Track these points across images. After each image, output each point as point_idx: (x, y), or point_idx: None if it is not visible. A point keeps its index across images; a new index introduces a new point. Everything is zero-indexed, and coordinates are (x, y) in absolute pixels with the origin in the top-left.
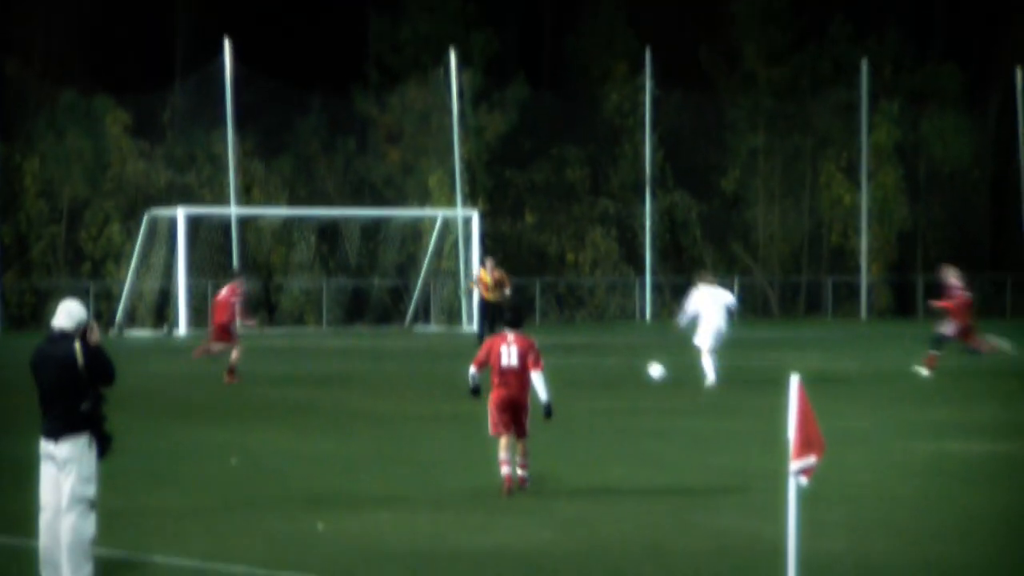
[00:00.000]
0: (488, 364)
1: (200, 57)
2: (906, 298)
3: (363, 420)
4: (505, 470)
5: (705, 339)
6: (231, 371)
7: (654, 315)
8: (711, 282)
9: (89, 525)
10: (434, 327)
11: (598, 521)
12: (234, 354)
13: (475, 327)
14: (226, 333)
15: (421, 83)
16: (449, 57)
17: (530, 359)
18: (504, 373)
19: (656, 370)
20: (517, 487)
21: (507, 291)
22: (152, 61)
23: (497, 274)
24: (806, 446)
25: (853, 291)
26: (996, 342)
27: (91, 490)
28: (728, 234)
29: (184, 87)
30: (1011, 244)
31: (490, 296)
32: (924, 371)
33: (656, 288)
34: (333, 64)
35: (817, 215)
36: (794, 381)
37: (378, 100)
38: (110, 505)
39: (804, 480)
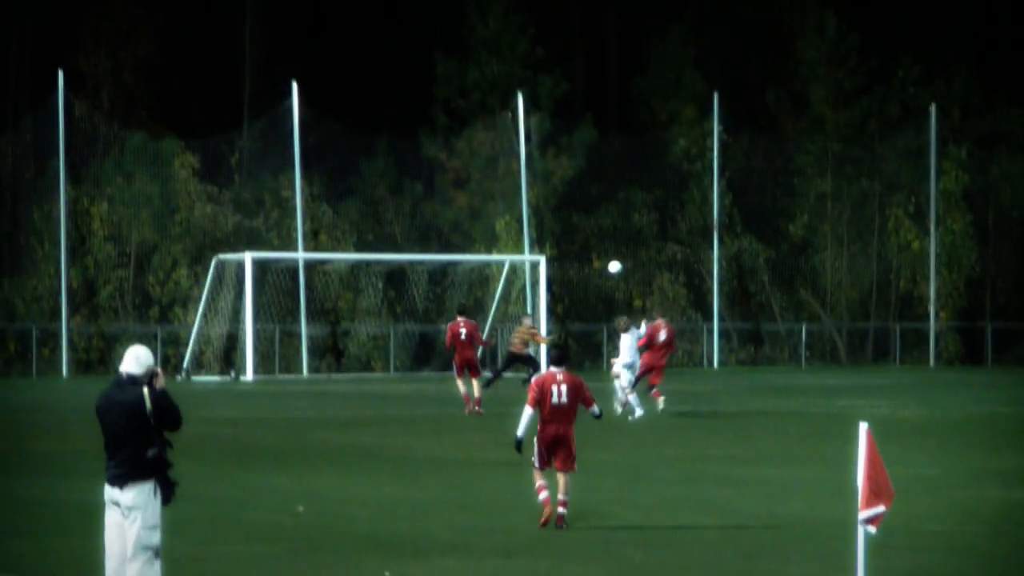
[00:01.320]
0: (540, 403)
1: (268, 100)
2: (975, 345)
3: (430, 466)
4: (544, 496)
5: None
6: (479, 401)
7: (721, 362)
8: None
9: (155, 573)
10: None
11: (666, 569)
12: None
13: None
14: (474, 368)
15: (488, 126)
16: (516, 100)
17: (584, 396)
18: (555, 410)
19: (614, 266)
20: (554, 523)
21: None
22: (220, 104)
23: (532, 330)
24: (875, 495)
25: (921, 338)
26: None
27: (156, 537)
28: (796, 280)
29: (251, 130)
30: None
31: (518, 349)
32: None
33: (723, 334)
34: (400, 107)
35: (885, 261)
36: (863, 429)
37: (445, 144)
38: (176, 552)
39: (872, 529)
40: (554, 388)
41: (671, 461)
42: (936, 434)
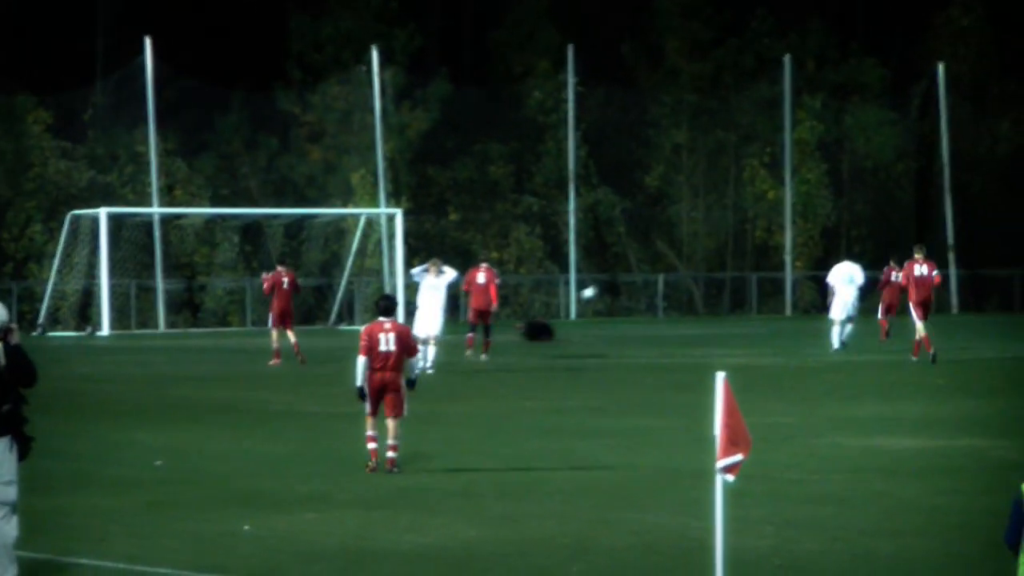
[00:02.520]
0: (370, 351)
1: (121, 55)
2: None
3: (289, 419)
4: (372, 446)
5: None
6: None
7: (578, 313)
8: None
9: (12, 528)
10: (358, 325)
11: (524, 520)
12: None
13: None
14: (290, 319)
15: (343, 81)
16: (371, 54)
17: (408, 344)
18: (383, 358)
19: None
20: (384, 466)
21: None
22: (73, 60)
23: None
24: (732, 443)
25: (778, 287)
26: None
27: (12, 493)
28: (652, 231)
29: (105, 86)
30: (935, 239)
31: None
32: None
33: (580, 285)
34: (254, 62)
35: (741, 211)
36: (720, 378)
37: (300, 98)
38: (33, 507)
39: (730, 477)
40: (382, 336)
41: (530, 412)
42: (793, 383)
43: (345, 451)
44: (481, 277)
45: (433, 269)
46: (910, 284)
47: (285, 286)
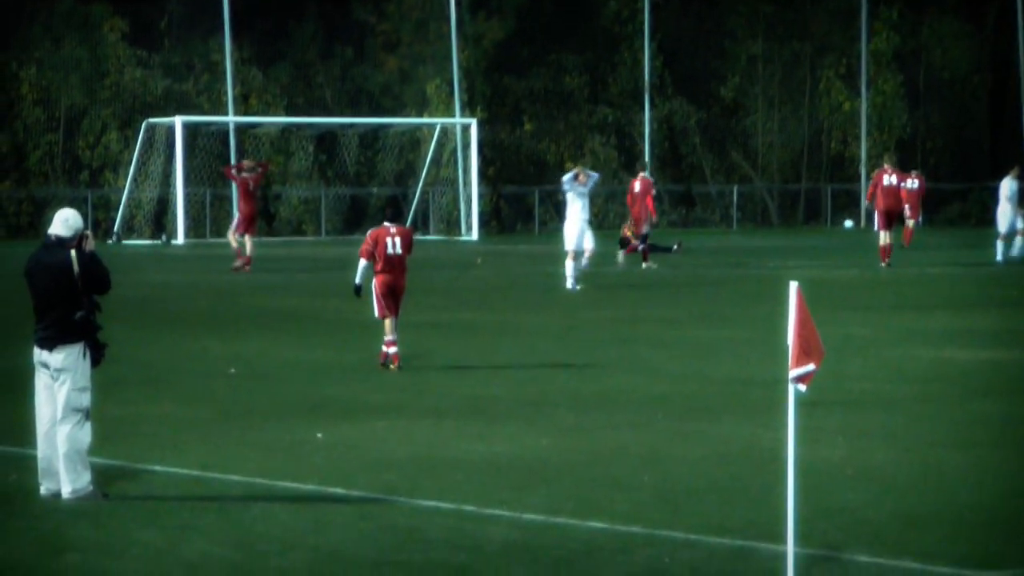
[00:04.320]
0: (375, 254)
1: None
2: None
3: (361, 330)
4: (394, 349)
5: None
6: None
7: (653, 224)
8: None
9: (84, 434)
10: (433, 236)
11: (596, 429)
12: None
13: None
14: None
15: None
16: None
17: (410, 244)
18: (389, 260)
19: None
20: (391, 363)
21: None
22: None
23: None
24: (805, 354)
25: (852, 198)
26: None
27: (86, 399)
28: (727, 142)
29: None
30: (1010, 152)
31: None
32: None
33: (656, 196)
34: None
35: (816, 122)
36: (793, 288)
37: (375, 7)
38: (107, 414)
39: (803, 387)
40: (388, 240)
41: (603, 323)
42: (867, 295)
43: (417, 360)
44: (637, 186)
45: (582, 176)
46: (878, 192)
47: (251, 188)
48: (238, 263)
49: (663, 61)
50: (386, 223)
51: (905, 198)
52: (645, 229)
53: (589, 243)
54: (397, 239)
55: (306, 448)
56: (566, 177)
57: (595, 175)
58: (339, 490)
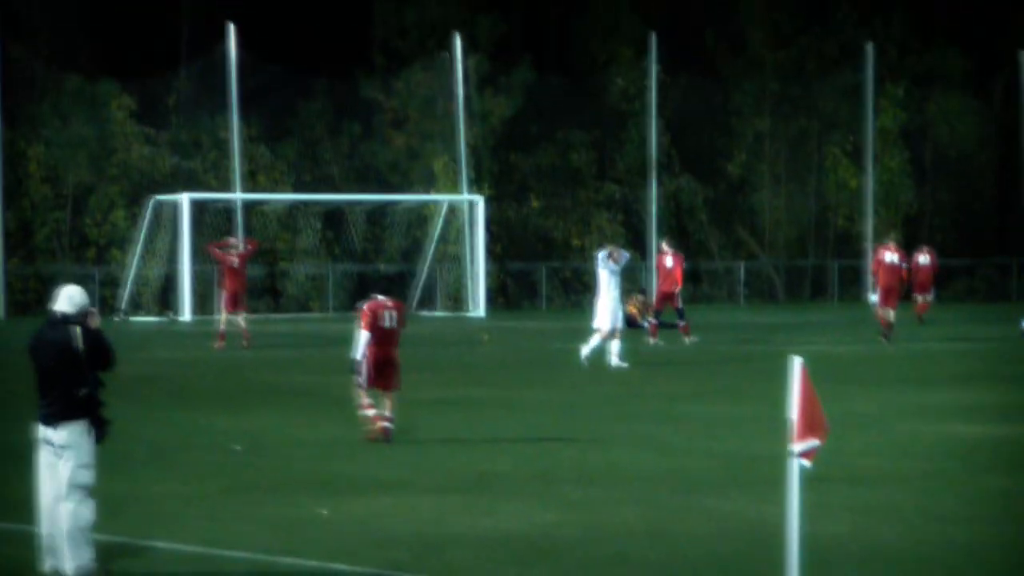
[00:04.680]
0: (373, 327)
1: (205, 42)
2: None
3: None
4: (372, 412)
5: None
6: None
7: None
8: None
9: (87, 511)
10: (440, 312)
11: (601, 505)
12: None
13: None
14: (243, 300)
15: (426, 68)
16: (454, 41)
17: (404, 319)
18: (385, 333)
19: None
20: (383, 435)
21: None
22: (157, 46)
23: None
24: (808, 429)
25: (859, 275)
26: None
27: (89, 476)
28: (734, 218)
29: (189, 72)
30: (1017, 227)
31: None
32: None
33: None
34: (338, 48)
35: (823, 199)
36: (796, 363)
37: (383, 85)
38: (111, 491)
39: (806, 462)
40: (385, 314)
41: (608, 399)
42: (873, 370)
43: (423, 436)
44: (669, 261)
45: (615, 254)
46: (880, 270)
47: (235, 265)
48: (219, 343)
49: (670, 138)
50: (380, 297)
51: (916, 273)
52: (679, 304)
53: (619, 322)
54: (393, 312)
55: (311, 524)
56: (601, 255)
57: (627, 254)
58: (343, 567)
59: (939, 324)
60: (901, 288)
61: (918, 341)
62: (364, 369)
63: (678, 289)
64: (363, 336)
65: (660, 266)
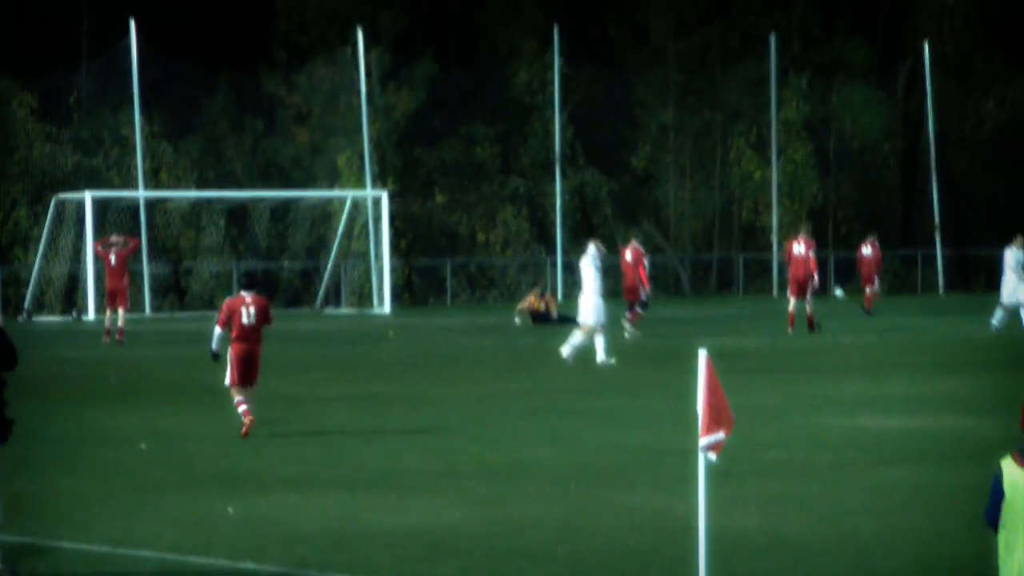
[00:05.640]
0: (230, 323)
1: (106, 38)
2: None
3: (273, 402)
4: (244, 408)
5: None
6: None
7: (565, 294)
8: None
9: None
10: (345, 309)
11: (509, 500)
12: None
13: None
14: (124, 297)
15: (328, 62)
16: (356, 35)
17: (268, 316)
18: (244, 329)
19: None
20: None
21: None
22: (57, 42)
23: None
24: (715, 422)
25: (764, 268)
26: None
27: None
28: (639, 211)
29: (90, 68)
30: (921, 219)
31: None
32: None
33: (567, 267)
34: (239, 43)
35: (728, 191)
36: (702, 356)
37: (285, 80)
38: (16, 490)
39: (713, 456)
40: (243, 310)
41: (515, 394)
42: (778, 364)
43: (327, 433)
44: (628, 255)
45: (599, 250)
46: (790, 262)
47: (113, 263)
48: (105, 339)
49: (574, 131)
50: (242, 292)
51: (860, 265)
52: (643, 297)
53: (603, 317)
54: (252, 308)
55: (218, 522)
56: (592, 252)
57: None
58: (251, 564)
59: (844, 317)
60: (808, 280)
61: (824, 335)
62: (228, 366)
63: (641, 286)
64: (216, 331)
65: (622, 258)
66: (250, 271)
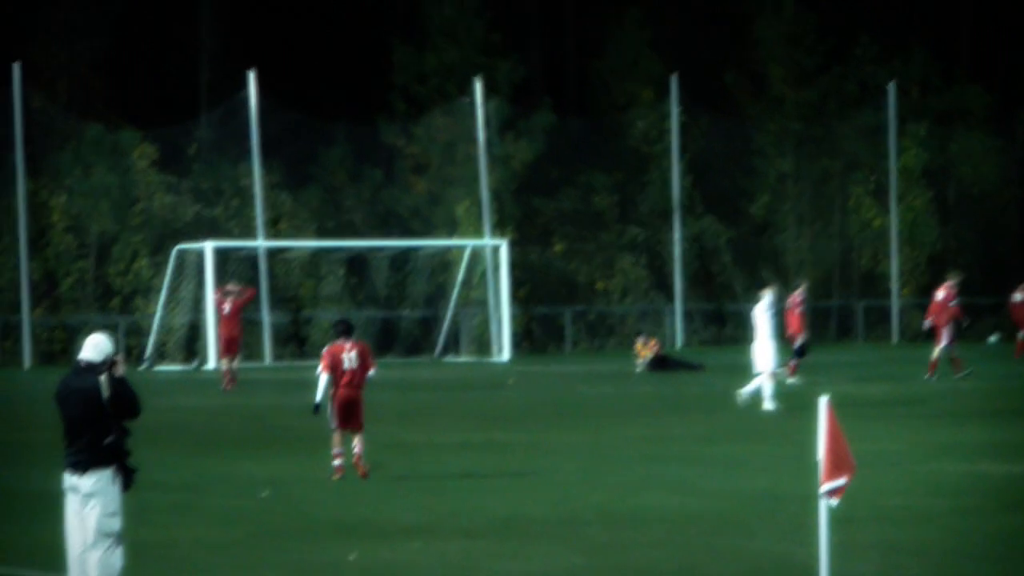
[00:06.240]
0: (334, 369)
1: (225, 89)
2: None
3: (394, 450)
4: (339, 462)
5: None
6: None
7: (684, 342)
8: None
9: (116, 559)
10: (464, 357)
11: (630, 547)
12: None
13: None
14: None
15: (446, 112)
16: (474, 86)
17: (368, 361)
18: (347, 375)
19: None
20: (358, 474)
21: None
22: (177, 94)
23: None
24: (836, 467)
25: (884, 315)
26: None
27: (116, 524)
28: (758, 259)
29: (209, 120)
30: None
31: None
32: None
33: (686, 315)
34: (358, 94)
35: (847, 239)
36: (823, 403)
37: (404, 130)
38: (139, 538)
39: (834, 501)
40: (344, 356)
41: (634, 441)
42: (899, 410)
43: (449, 481)
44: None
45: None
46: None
47: (227, 312)
48: (225, 387)
49: (692, 180)
50: (340, 340)
51: (1013, 310)
52: (800, 341)
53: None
54: (353, 353)
55: (339, 570)
56: (768, 299)
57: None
58: None
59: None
60: (950, 326)
61: (945, 381)
62: (331, 411)
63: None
64: (322, 379)
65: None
66: (344, 318)
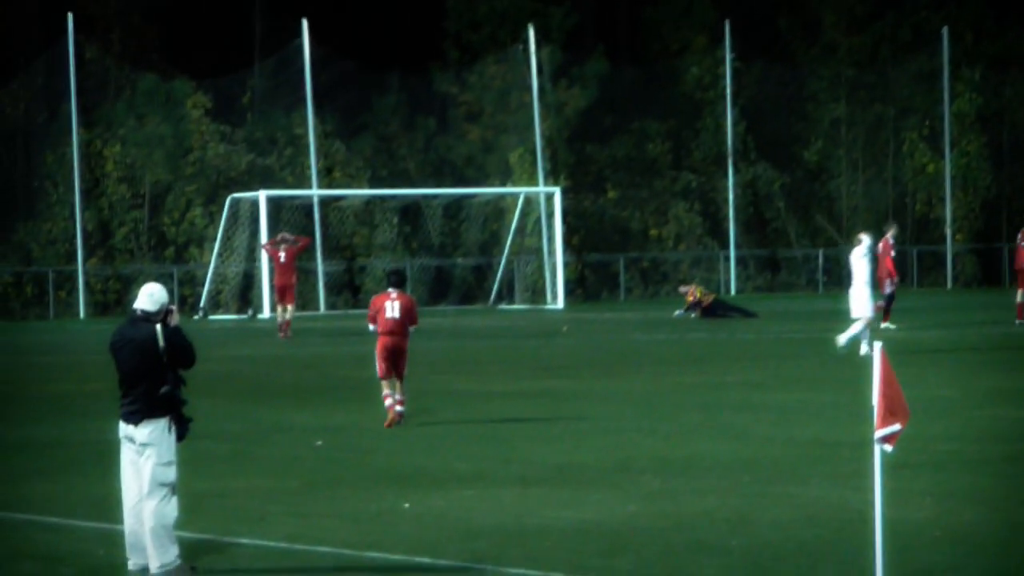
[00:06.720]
0: (376, 319)
1: (278, 39)
2: (991, 266)
3: (448, 399)
4: (389, 402)
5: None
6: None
7: (739, 289)
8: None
9: (171, 509)
10: (518, 305)
11: (683, 495)
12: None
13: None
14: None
15: (500, 60)
16: (528, 33)
17: (413, 315)
18: (388, 323)
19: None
20: (397, 420)
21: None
22: (231, 44)
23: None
24: (890, 414)
25: (938, 260)
26: None
27: (172, 474)
28: (811, 205)
29: (263, 69)
30: None
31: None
32: None
33: (740, 261)
34: (411, 43)
35: (901, 184)
36: (877, 349)
37: (457, 78)
38: (194, 488)
39: (888, 447)
40: (387, 304)
41: (688, 388)
42: (953, 356)
43: (504, 429)
44: (880, 246)
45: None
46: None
47: (283, 260)
48: (280, 335)
49: (746, 126)
50: (389, 289)
51: None
52: (888, 289)
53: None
54: (396, 303)
55: (394, 518)
56: (866, 244)
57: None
58: (427, 559)
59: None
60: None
61: (999, 326)
62: (377, 360)
63: (889, 280)
64: (371, 329)
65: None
66: (397, 269)
